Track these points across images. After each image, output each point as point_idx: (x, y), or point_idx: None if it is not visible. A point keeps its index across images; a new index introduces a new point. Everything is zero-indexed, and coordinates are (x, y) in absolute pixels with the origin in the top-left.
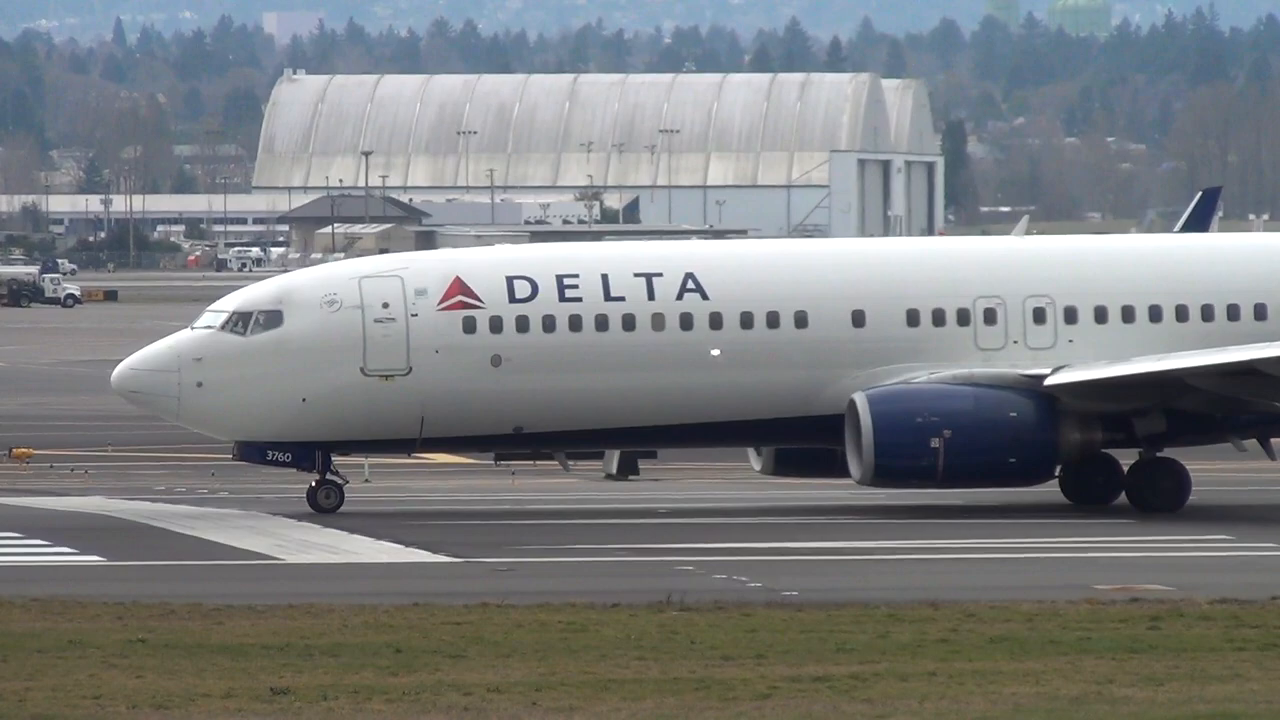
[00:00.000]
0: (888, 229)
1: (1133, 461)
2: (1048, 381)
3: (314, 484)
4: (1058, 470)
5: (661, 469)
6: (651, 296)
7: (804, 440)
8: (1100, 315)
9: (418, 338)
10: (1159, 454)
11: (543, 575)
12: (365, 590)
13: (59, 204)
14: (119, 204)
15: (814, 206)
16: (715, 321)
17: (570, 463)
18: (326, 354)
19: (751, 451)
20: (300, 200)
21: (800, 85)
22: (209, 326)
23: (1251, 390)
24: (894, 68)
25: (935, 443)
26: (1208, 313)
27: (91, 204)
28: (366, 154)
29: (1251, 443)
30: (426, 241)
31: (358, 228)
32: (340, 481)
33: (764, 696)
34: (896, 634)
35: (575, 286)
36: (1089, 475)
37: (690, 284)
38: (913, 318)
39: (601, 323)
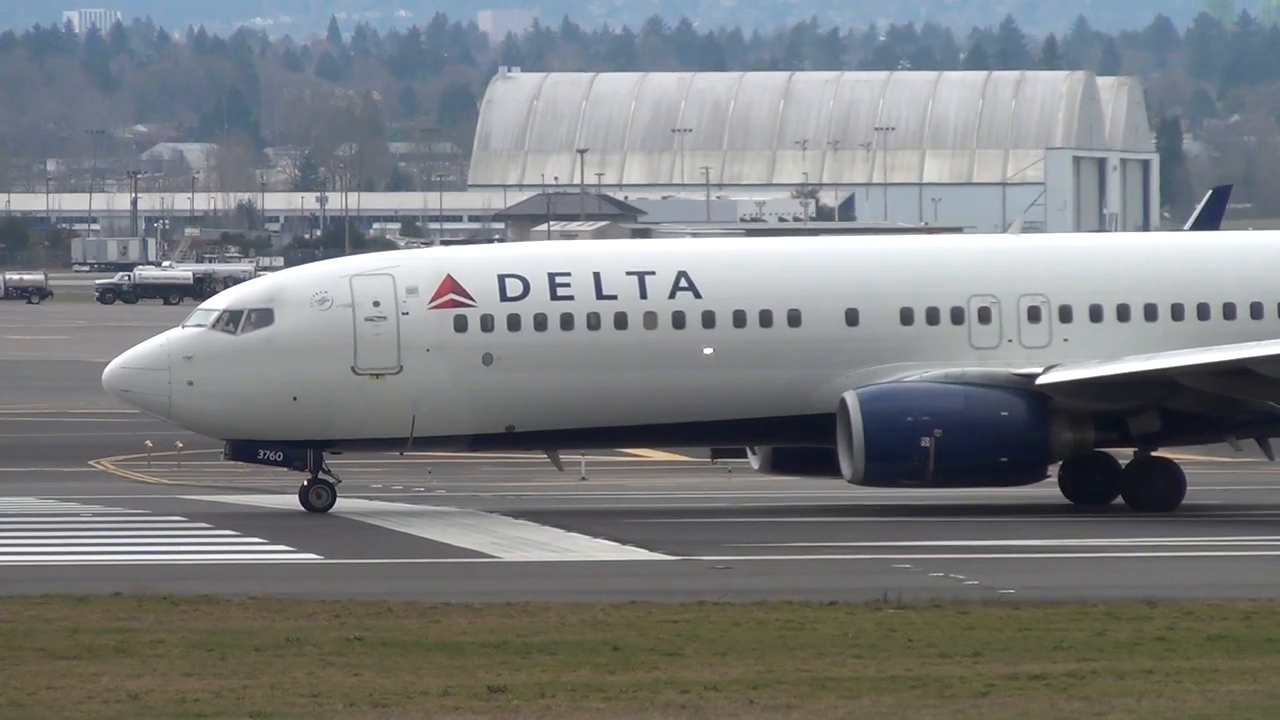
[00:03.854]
0: (1103, 226)
1: (1128, 461)
2: (1039, 380)
3: (306, 483)
4: (1049, 470)
5: None
6: (644, 295)
7: (798, 439)
8: (1095, 314)
9: (409, 336)
10: (1154, 453)
11: (760, 573)
12: (582, 588)
13: (274, 202)
14: (334, 201)
15: (1030, 204)
16: (708, 320)
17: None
18: (317, 352)
19: (750, 451)
20: (516, 198)
21: (1015, 83)
22: (200, 325)
23: (1244, 389)
24: (1109, 65)
25: (926, 442)
26: (1203, 311)
27: (307, 202)
28: (582, 151)
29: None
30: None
31: (573, 225)
32: (333, 481)
33: (981, 694)
34: (1114, 632)
35: (567, 285)
36: (1088, 474)
37: (683, 282)
38: (906, 316)
39: (593, 321)
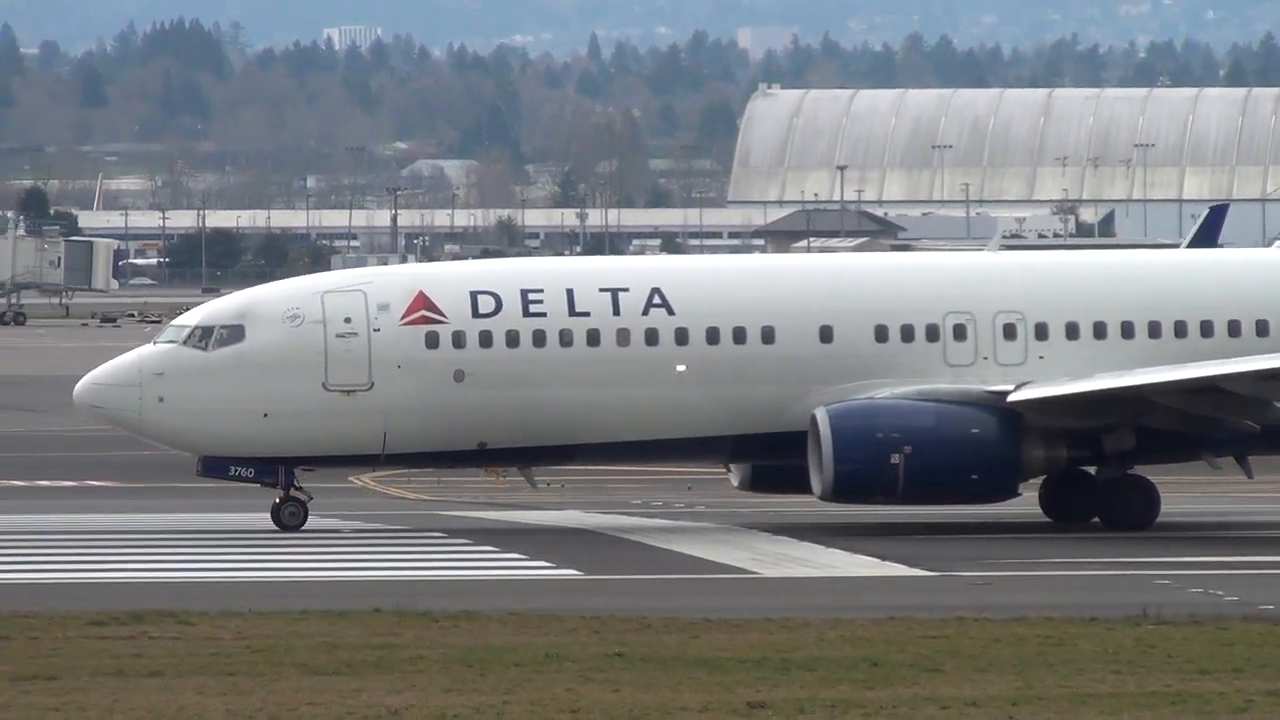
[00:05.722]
0: None
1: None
2: (1011, 398)
3: (278, 500)
4: (1021, 488)
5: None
6: (617, 312)
7: (773, 456)
8: (1072, 331)
9: (380, 353)
10: (1128, 471)
11: (1019, 589)
12: (842, 604)
13: (534, 218)
14: (594, 218)
15: None
16: (681, 337)
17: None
18: (288, 369)
19: (727, 468)
20: (775, 214)
21: (1276, 99)
22: (171, 341)
23: (1216, 407)
24: None
25: (895, 459)
26: (1181, 329)
27: (567, 218)
28: (841, 168)
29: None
30: None
31: (833, 242)
32: (304, 499)
33: (1240, 710)
34: None
35: (540, 301)
36: (1067, 493)
37: (656, 299)
38: (881, 333)
39: (566, 338)
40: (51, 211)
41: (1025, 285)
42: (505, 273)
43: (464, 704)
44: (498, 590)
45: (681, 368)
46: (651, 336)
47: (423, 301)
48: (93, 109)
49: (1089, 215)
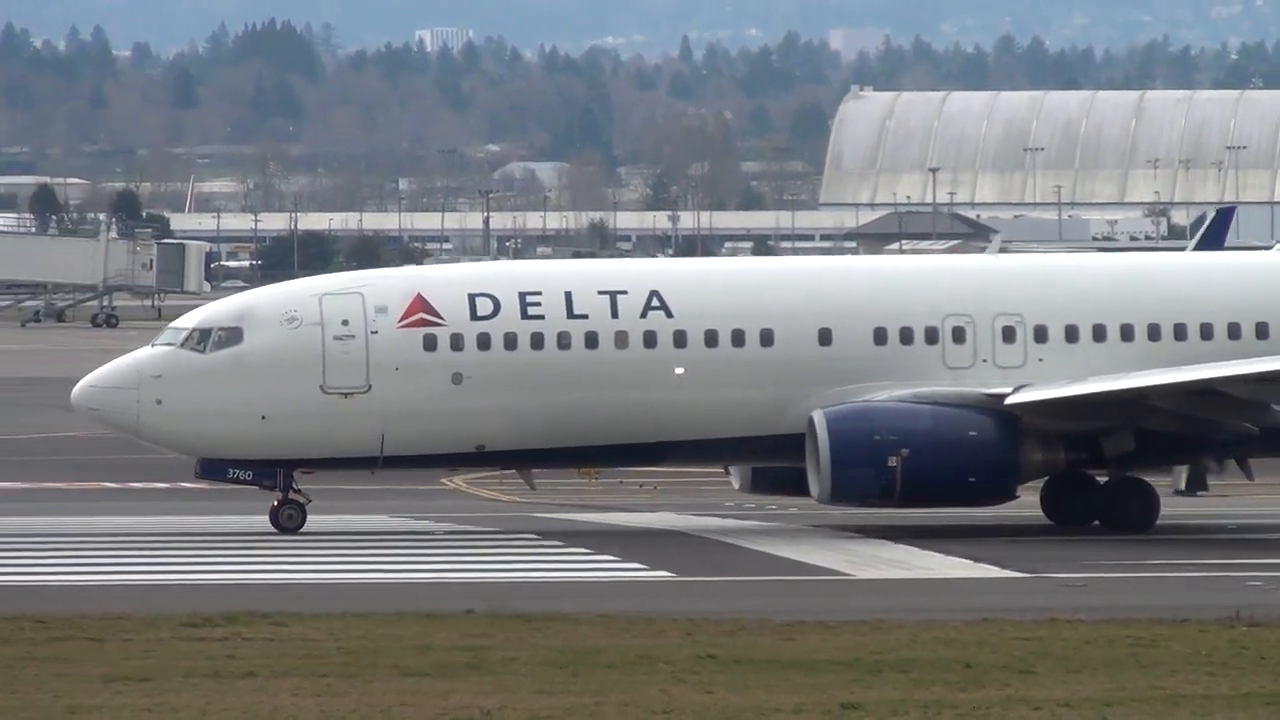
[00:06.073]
0: None
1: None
2: (1008, 400)
3: (276, 503)
4: (1019, 491)
5: (1230, 485)
6: (615, 314)
7: (771, 459)
8: (1071, 334)
9: (377, 355)
10: (1128, 474)
11: (1112, 591)
12: (935, 605)
13: (626, 220)
14: (686, 220)
15: None
16: (679, 340)
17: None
18: (286, 371)
19: (726, 470)
20: (867, 216)
21: None
22: (169, 344)
23: (1214, 410)
24: None
25: (893, 461)
26: (1180, 332)
27: (659, 220)
28: (933, 170)
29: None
30: None
31: (924, 244)
32: (303, 501)
33: None
34: None
35: (538, 304)
36: (1068, 495)
37: (655, 302)
38: (880, 336)
39: (564, 340)
40: (144, 214)
41: (1024, 288)
42: (503, 275)
43: (556, 705)
44: (590, 592)
45: (680, 370)
46: (650, 339)
47: (421, 304)
48: (184, 111)
49: (1180, 218)
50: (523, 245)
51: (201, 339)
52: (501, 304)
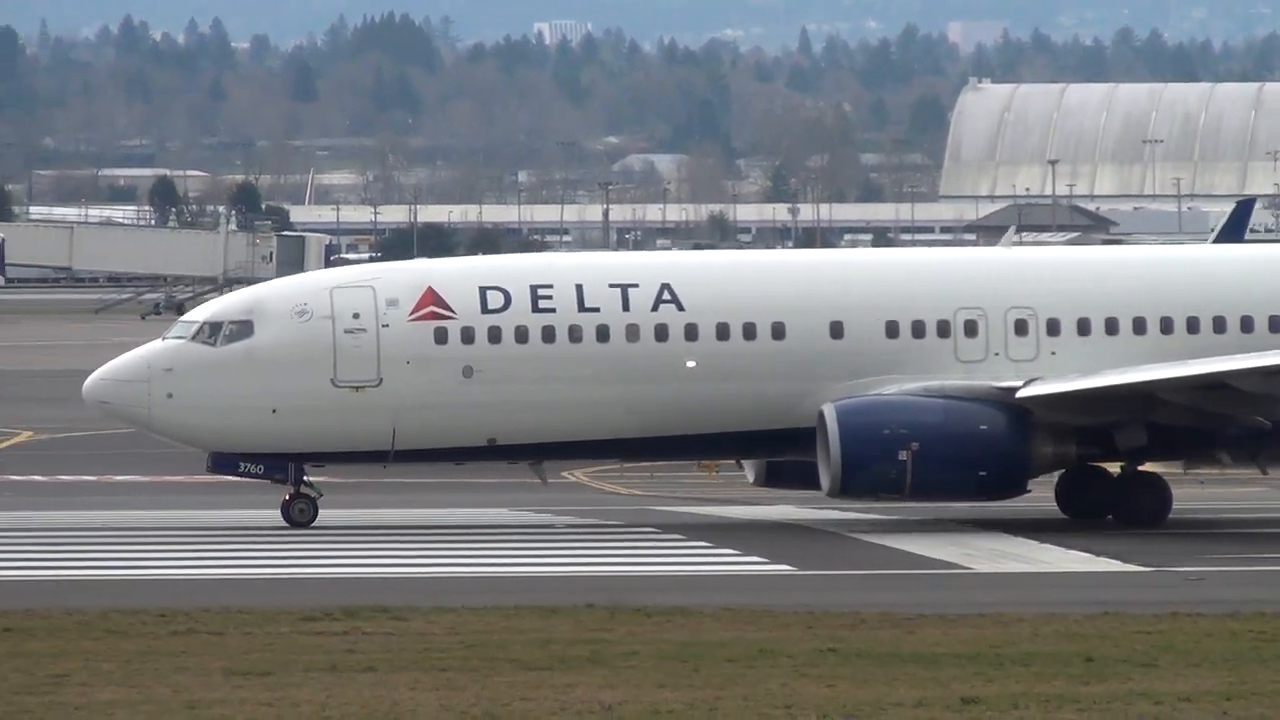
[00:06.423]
0: None
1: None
2: (1019, 394)
3: (288, 497)
4: (1030, 484)
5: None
6: (626, 307)
7: (783, 453)
8: (1083, 327)
9: (388, 348)
10: (1140, 468)
11: (1233, 584)
12: (1055, 599)
13: (746, 213)
14: (805, 212)
15: None
16: (691, 333)
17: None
18: (296, 365)
19: (739, 464)
20: (986, 209)
21: None
22: (180, 337)
23: (1224, 404)
24: None
25: (903, 455)
26: (1193, 325)
27: (778, 213)
28: (1052, 162)
29: None
30: None
31: (1044, 236)
32: (314, 495)
33: None
34: None
35: (549, 297)
36: (1082, 489)
37: (666, 295)
38: (892, 329)
39: (575, 333)
40: (263, 206)
41: (1037, 281)
42: (514, 268)
43: (677, 699)
44: (711, 585)
45: (691, 363)
46: (661, 332)
47: (431, 297)
48: (303, 103)
49: None
50: (642, 237)
51: (212, 332)
52: (512, 297)
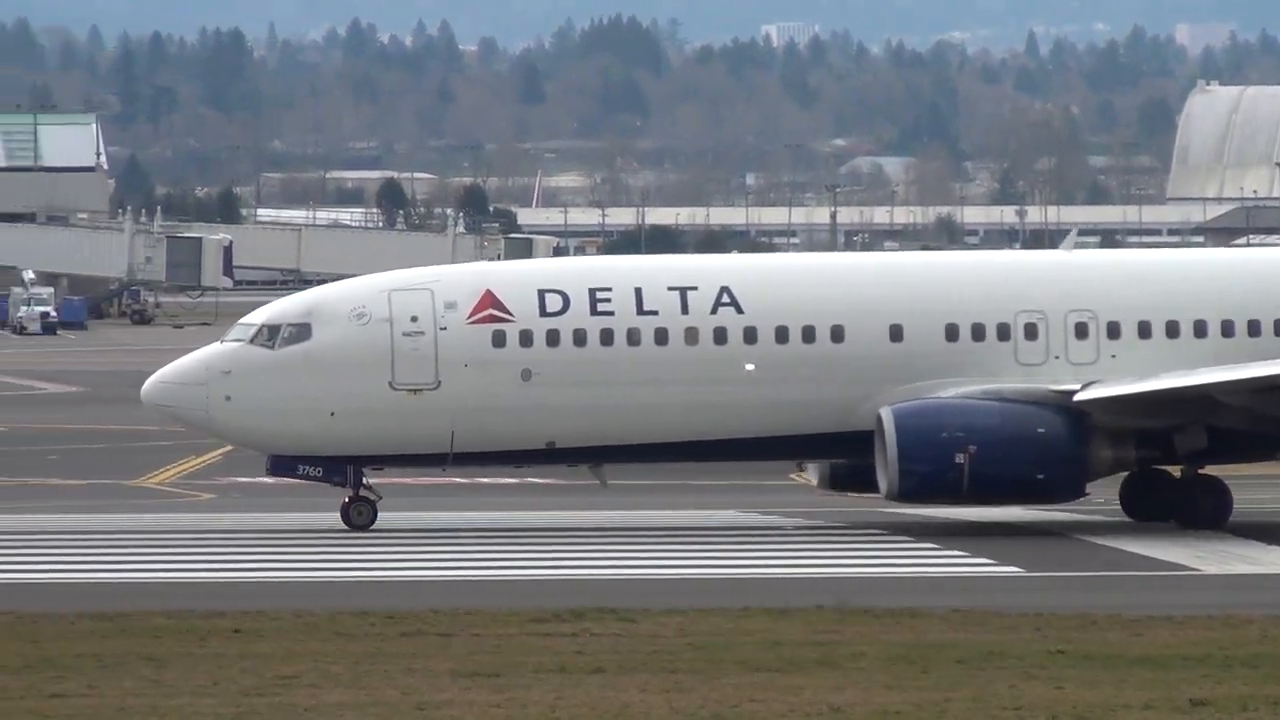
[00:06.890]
0: None
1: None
2: (1077, 397)
3: (347, 500)
4: (1089, 487)
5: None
6: (685, 310)
7: (843, 456)
8: (1144, 330)
9: (446, 351)
10: (1200, 471)
11: None
12: None
13: (973, 215)
14: (1033, 215)
15: None
16: (750, 336)
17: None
18: (354, 367)
19: (799, 467)
20: (1214, 211)
21: None
22: (238, 340)
23: None
24: None
25: (960, 458)
26: (1254, 328)
27: (1006, 215)
28: None
29: None
30: None
31: (1273, 239)
32: (374, 498)
33: None
34: None
35: (608, 300)
36: (1147, 492)
37: (725, 298)
38: (952, 332)
39: (633, 337)
40: (491, 209)
41: (1097, 284)
42: (573, 271)
43: (906, 701)
44: (939, 587)
45: (750, 366)
46: (720, 335)
47: (490, 300)
48: (531, 106)
49: None
50: (869, 239)
51: (271, 335)
52: (571, 300)
